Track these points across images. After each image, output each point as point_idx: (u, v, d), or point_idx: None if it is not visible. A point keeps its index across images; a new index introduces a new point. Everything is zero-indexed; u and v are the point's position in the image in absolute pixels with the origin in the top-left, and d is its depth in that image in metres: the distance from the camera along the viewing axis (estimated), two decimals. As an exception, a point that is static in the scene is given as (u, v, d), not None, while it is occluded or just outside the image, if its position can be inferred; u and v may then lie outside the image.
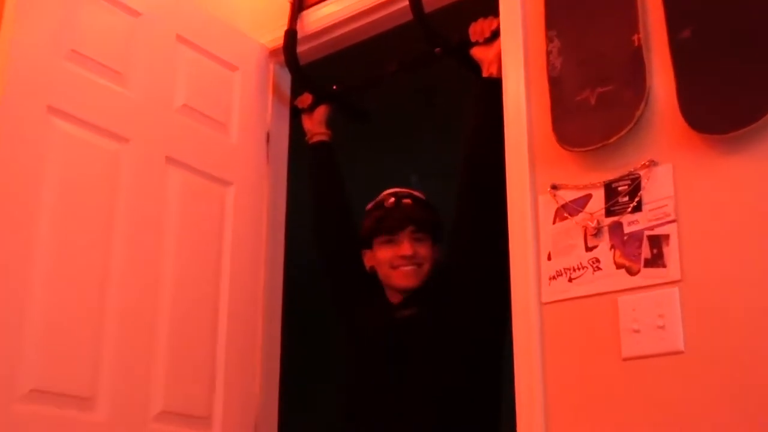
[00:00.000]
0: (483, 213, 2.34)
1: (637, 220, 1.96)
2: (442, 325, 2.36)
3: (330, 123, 2.93)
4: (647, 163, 1.97)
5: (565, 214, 2.07)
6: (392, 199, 2.53)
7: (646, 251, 1.93)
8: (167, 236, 2.44)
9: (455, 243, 2.41)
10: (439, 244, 2.54)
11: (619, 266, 1.96)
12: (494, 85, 2.35)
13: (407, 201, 2.52)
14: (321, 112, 2.90)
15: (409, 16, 2.63)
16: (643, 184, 1.97)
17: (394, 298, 2.50)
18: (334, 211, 2.69)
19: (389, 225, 2.48)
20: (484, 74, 2.44)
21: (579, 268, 2.01)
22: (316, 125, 2.88)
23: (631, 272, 1.94)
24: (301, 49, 2.91)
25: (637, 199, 1.97)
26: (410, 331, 2.40)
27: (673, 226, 1.91)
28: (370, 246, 2.55)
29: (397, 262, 2.47)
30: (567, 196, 2.08)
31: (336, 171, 2.80)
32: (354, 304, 2.58)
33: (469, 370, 2.32)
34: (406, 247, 2.47)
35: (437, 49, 2.64)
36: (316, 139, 2.86)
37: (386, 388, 2.35)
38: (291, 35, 2.89)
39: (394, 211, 2.50)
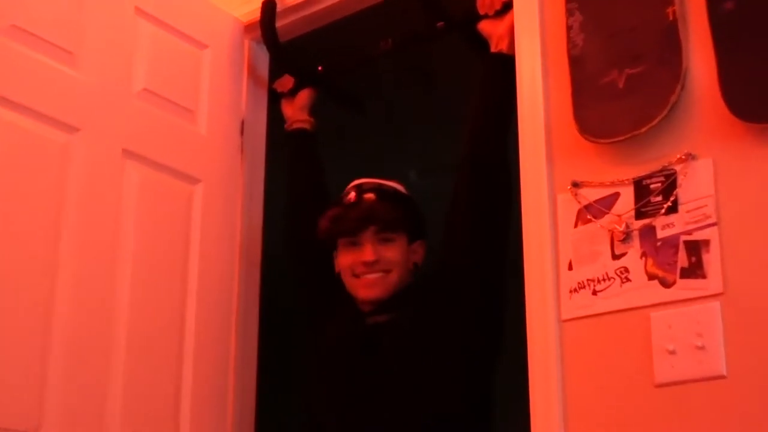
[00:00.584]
0: (486, 212, 2.32)
1: (672, 223, 1.96)
2: (423, 331, 2.29)
3: (315, 110, 2.92)
4: (684, 157, 1.97)
5: (589, 216, 2.07)
6: (352, 194, 2.45)
7: (682, 259, 1.92)
8: (124, 243, 2.44)
9: (452, 242, 2.35)
10: (420, 241, 2.47)
11: (651, 277, 1.96)
12: (504, 63, 2.35)
13: (369, 196, 2.42)
14: (304, 97, 2.89)
15: (407, -15, 2.64)
16: (679, 181, 1.97)
17: (364, 307, 2.42)
18: (311, 211, 2.59)
19: (346, 226, 2.40)
20: (493, 50, 2.43)
21: (605, 279, 2.01)
22: (297, 111, 2.87)
23: (666, 284, 1.93)
24: (280, 23, 2.90)
25: (672, 199, 1.96)
26: (381, 339, 2.32)
27: (714, 230, 1.90)
28: (335, 248, 2.49)
29: (358, 269, 2.40)
30: (590, 195, 2.07)
31: (316, 165, 2.78)
32: (328, 317, 2.51)
33: (455, 391, 2.25)
34: (368, 252, 2.38)
35: (439, 24, 2.63)
36: (295, 126, 2.85)
37: (351, 414, 2.29)
38: (269, 7, 2.89)
39: (353, 209, 2.39)
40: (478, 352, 2.31)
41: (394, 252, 2.41)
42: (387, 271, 2.40)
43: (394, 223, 2.42)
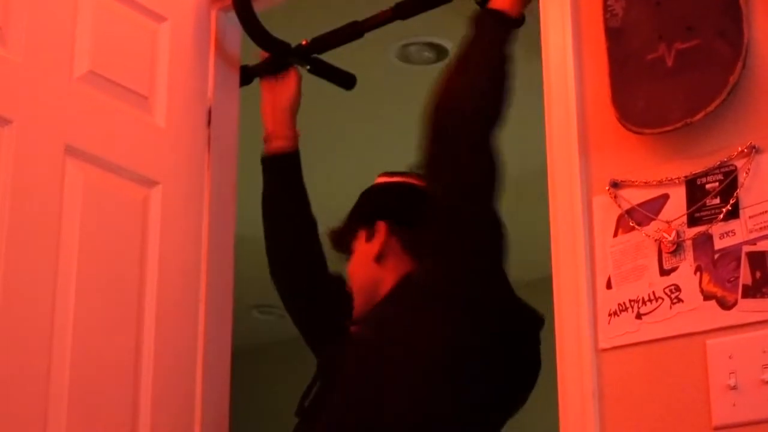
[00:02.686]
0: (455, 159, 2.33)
1: (732, 231, 1.98)
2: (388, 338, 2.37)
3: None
4: (746, 150, 1.99)
5: (631, 224, 2.09)
6: None
7: (745, 275, 1.95)
8: (65, 260, 2.44)
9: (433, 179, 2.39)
10: (381, 222, 2.55)
11: (707, 296, 1.98)
12: (498, 21, 2.36)
13: None
14: (291, 87, 2.91)
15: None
16: (740, 179, 1.99)
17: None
18: (304, 243, 2.81)
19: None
20: (490, 5, 2.42)
21: (651, 300, 2.03)
22: (280, 119, 2.88)
23: (725, 305, 1.96)
24: (255, -11, 2.91)
25: (732, 202, 1.98)
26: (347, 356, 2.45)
27: (784, 238, 1.92)
28: None
29: None
30: (634, 197, 2.10)
31: (303, 191, 2.87)
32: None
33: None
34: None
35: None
36: (278, 147, 2.87)
37: None
38: (240, -32, 2.89)
39: None
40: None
41: (351, 266, 2.60)
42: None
43: (338, 239, 2.64)
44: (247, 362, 6.38)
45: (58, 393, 2.38)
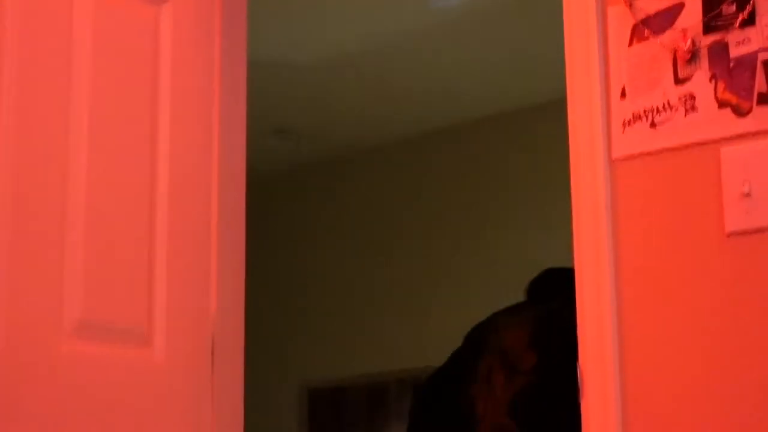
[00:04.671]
0: None
1: (748, 39, 1.96)
2: None
3: None
4: (764, -46, 1.96)
5: (646, 33, 2.07)
6: None
7: (761, 82, 1.93)
8: (76, 83, 2.43)
9: None
10: None
11: (722, 104, 1.97)
12: None
13: None
14: None
15: None
16: (758, -15, 1.96)
17: None
18: None
19: None
20: None
21: (666, 109, 2.02)
22: None
23: (740, 112, 1.95)
24: None
25: (749, 9, 1.96)
26: None
27: (801, 44, 1.91)
28: None
29: None
30: (649, 6, 2.07)
31: None
32: None
33: None
34: None
35: None
36: None
37: None
38: None
39: None
40: None
41: None
42: None
43: None
44: (265, 189, 6.43)
45: (74, 221, 2.40)
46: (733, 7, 1.98)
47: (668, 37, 2.04)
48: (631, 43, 2.09)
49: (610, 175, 2.07)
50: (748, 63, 1.95)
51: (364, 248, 6.82)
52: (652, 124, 2.03)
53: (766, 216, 1.90)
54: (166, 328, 2.49)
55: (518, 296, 6.04)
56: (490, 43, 5.42)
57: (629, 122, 2.06)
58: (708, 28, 2.01)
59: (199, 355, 2.55)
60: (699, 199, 1.97)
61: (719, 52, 1.99)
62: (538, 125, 5.85)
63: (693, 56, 2.01)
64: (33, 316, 2.28)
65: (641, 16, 2.08)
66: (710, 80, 1.99)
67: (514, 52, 5.47)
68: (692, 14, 2.02)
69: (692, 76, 2.01)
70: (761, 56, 1.94)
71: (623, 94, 2.07)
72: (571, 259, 2.11)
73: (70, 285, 2.35)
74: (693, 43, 2.01)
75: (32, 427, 2.24)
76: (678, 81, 2.02)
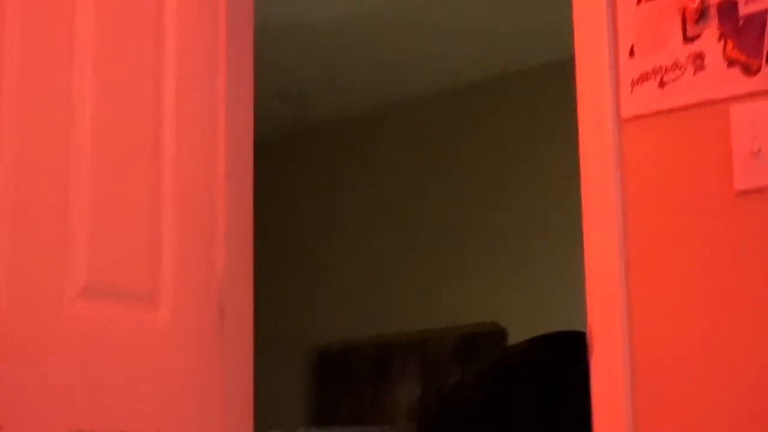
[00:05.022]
0: None
1: (758, -5, 1.95)
2: None
3: None
4: None
5: (655, -9, 2.06)
6: None
7: (771, 40, 1.92)
8: (79, 40, 2.42)
9: None
10: None
11: (731, 63, 1.96)
12: None
13: None
14: None
15: None
16: (768, -60, 1.95)
17: None
18: None
19: None
20: None
21: (674, 68, 2.01)
22: None
23: (749, 71, 1.94)
24: None
25: (758, -34, 1.95)
26: None
27: (811, 1, 1.90)
28: None
29: None
30: (657, -38, 2.06)
31: None
32: None
33: None
34: None
35: None
36: None
37: None
38: None
39: None
40: None
41: None
42: None
43: None
44: (269, 154, 6.42)
45: (78, 182, 2.39)
46: (743, -35, 1.97)
47: (677, -6, 2.04)
48: (639, 2, 2.07)
49: (619, 134, 2.06)
50: (757, 21, 1.94)
51: (371, 211, 6.82)
52: (661, 84, 2.02)
53: (775, 174, 1.90)
54: (172, 290, 2.50)
55: (524, 261, 6.05)
56: (494, 4, 5.41)
57: (638, 81, 2.05)
58: (717, -15, 2.00)
59: (206, 316, 2.56)
60: (708, 158, 1.97)
61: (728, 10, 1.97)
62: (552, 86, 5.84)
63: (702, 15, 2.00)
64: (37, 278, 2.29)
65: (649, -27, 2.07)
66: (719, 39, 1.98)
67: (524, 14, 5.46)
68: (701, -28, 2.02)
69: (701, 34, 2.00)
70: (771, 14, 1.94)
71: (632, 53, 2.06)
72: (580, 218, 2.11)
73: (74, 246, 2.35)
74: (702, 1, 2.00)
75: (38, 388, 2.25)
76: (687, 40, 2.01)
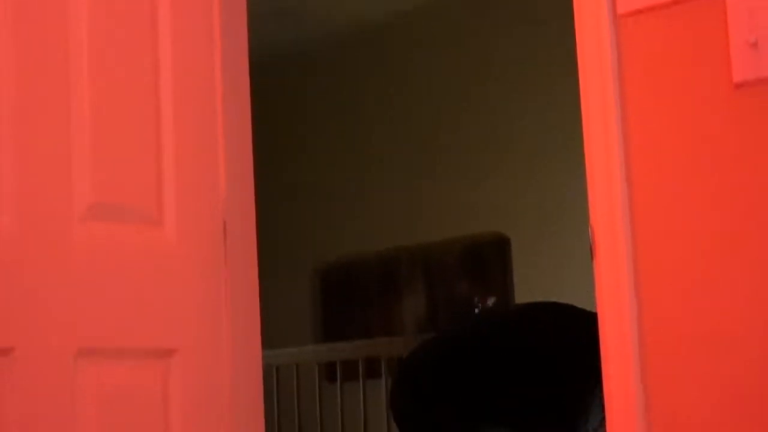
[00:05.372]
0: None
1: None
2: None
3: None
4: None
5: None
6: None
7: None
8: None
9: None
10: None
11: (729, -52, 1.94)
12: None
13: None
14: None
15: None
16: None
17: None
18: None
19: None
20: None
21: (670, -40, 2.00)
22: None
23: (746, -42, 1.92)
24: None
25: None
26: None
27: None
28: None
29: None
30: None
31: None
32: None
33: None
34: None
35: None
36: None
37: None
38: None
39: None
40: None
41: None
42: None
43: None
44: (268, 71, 6.39)
45: (80, 103, 2.39)
46: None
47: None
48: None
49: (616, 30, 2.05)
50: None
51: (372, 127, 6.80)
52: (657, -24, 2.01)
53: (773, 65, 1.89)
54: (176, 209, 2.51)
55: (526, 170, 6.05)
56: None
57: (634, -25, 2.03)
58: None
59: (210, 234, 2.57)
60: (706, 50, 1.96)
61: None
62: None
63: None
64: (43, 198, 2.30)
65: None
66: (714, -73, 1.96)
67: None
68: None
69: None
70: None
71: (626, -56, 2.05)
72: (578, 117, 2.11)
73: (78, 166, 2.36)
74: None
75: (47, 309, 2.27)
76: (682, -73, 1.99)
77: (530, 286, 5.75)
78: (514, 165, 6.15)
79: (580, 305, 3.56)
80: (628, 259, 2.04)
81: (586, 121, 2.08)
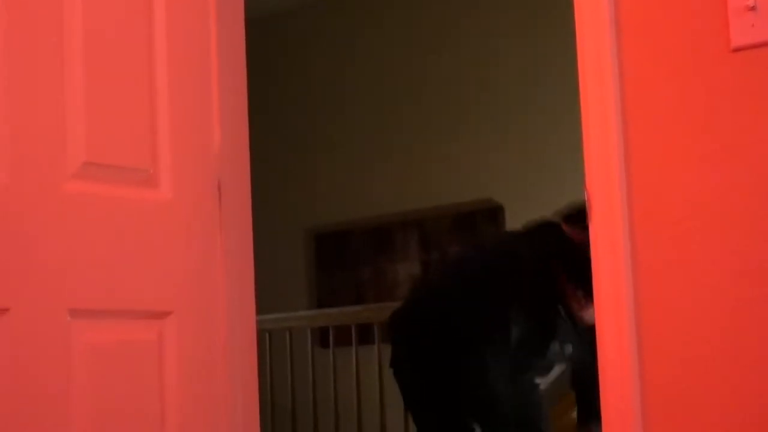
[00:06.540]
0: None
1: None
2: None
3: None
4: None
5: None
6: None
7: None
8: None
9: None
10: None
11: None
12: None
13: None
14: None
15: None
16: None
17: None
18: None
19: None
20: None
21: None
22: None
23: None
24: None
25: None
26: None
27: None
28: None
29: None
30: None
31: None
32: None
33: None
34: None
35: None
36: None
37: None
38: None
39: None
40: None
41: None
42: None
43: None
44: (265, 29, 6.37)
45: (72, 62, 2.37)
46: None
47: None
48: None
49: (616, 4, 2.04)
50: None
51: (367, 90, 6.79)
52: (654, -59, 2.00)
53: (771, 29, 1.89)
54: (171, 168, 2.50)
55: (519, 136, 6.05)
56: None
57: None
58: None
59: (205, 194, 2.56)
60: (704, 15, 1.95)
61: None
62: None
63: None
64: (36, 156, 2.28)
65: None
66: None
67: None
68: None
69: None
70: None
71: None
72: (577, 90, 2.11)
73: (72, 125, 2.34)
74: None
75: (41, 268, 2.26)
76: None
77: (523, 253, 5.75)
78: (509, 133, 6.15)
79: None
80: (623, 221, 2.04)
81: (583, 83, 2.08)
